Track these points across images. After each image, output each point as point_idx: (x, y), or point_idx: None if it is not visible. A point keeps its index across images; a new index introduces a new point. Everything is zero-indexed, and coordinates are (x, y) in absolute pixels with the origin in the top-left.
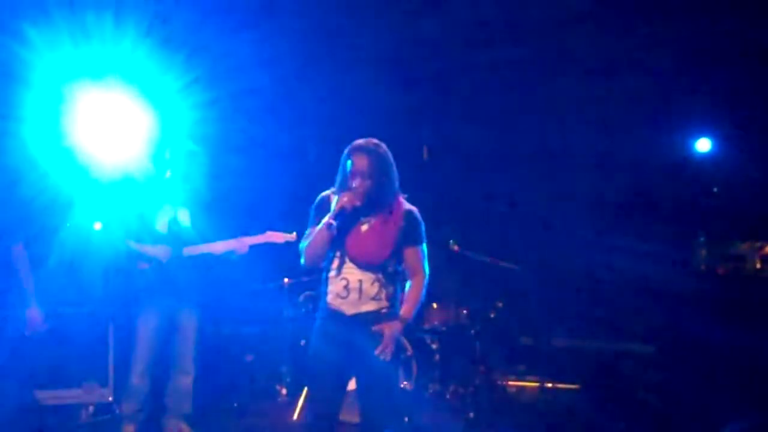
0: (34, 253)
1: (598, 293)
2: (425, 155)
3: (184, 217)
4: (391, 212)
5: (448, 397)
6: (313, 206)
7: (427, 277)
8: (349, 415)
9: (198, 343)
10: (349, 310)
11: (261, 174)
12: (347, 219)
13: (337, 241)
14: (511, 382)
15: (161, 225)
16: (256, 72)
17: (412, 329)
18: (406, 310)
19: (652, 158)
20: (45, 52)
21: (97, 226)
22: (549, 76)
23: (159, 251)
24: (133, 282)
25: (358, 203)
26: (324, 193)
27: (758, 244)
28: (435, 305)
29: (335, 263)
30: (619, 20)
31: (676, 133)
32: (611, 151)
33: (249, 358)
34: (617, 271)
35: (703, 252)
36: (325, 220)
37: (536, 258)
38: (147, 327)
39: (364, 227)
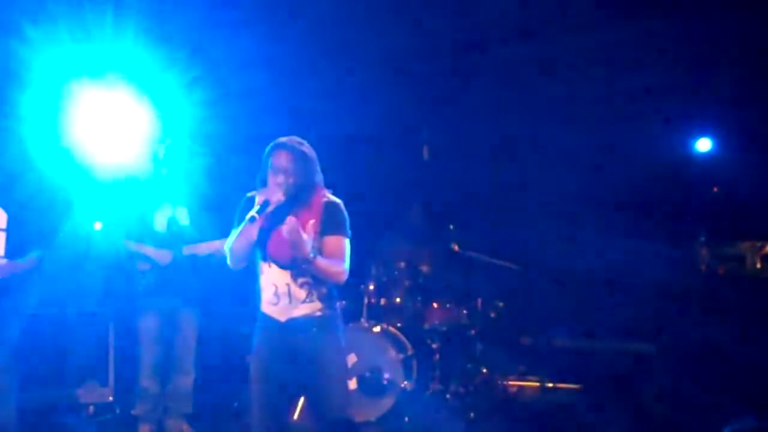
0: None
1: (599, 293)
2: (425, 155)
3: (183, 216)
4: (310, 207)
5: (448, 397)
6: (238, 207)
7: (345, 271)
8: (361, 416)
9: (198, 343)
10: (281, 316)
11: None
12: (271, 217)
13: (262, 244)
14: (511, 382)
15: (160, 224)
16: (256, 72)
17: (413, 329)
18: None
19: (653, 158)
20: (44, 49)
21: (97, 226)
22: (549, 75)
23: (159, 254)
24: (133, 282)
25: (281, 198)
26: (248, 194)
27: (758, 244)
28: (435, 305)
29: (263, 268)
30: (620, 20)
31: (676, 133)
32: (612, 151)
33: (249, 358)
34: (618, 271)
35: (704, 252)
36: (249, 215)
37: (536, 258)
38: (148, 327)
39: (285, 227)
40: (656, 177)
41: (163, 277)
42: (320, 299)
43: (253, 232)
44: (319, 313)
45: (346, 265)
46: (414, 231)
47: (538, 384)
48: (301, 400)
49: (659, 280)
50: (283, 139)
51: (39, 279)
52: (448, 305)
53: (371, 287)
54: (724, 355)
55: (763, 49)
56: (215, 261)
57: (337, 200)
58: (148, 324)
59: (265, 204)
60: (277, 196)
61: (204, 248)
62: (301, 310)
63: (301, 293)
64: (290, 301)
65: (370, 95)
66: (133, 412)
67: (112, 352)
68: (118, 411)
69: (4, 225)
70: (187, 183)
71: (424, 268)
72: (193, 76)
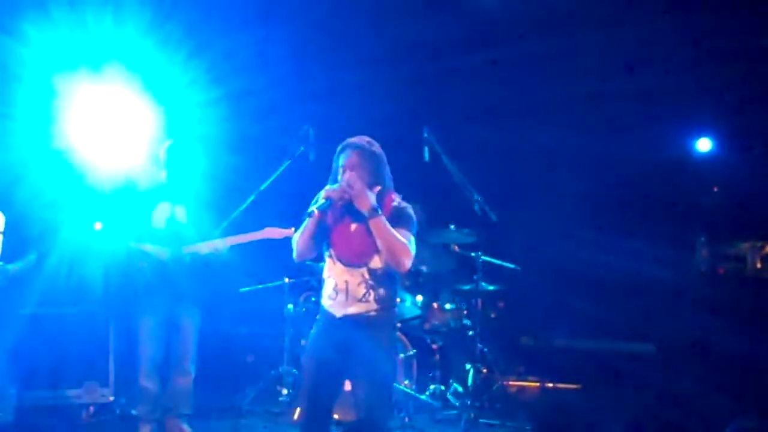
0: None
1: (598, 293)
2: (425, 155)
3: (182, 215)
4: (381, 210)
5: (448, 397)
6: (311, 203)
7: (410, 251)
8: (345, 414)
9: (198, 343)
10: (337, 311)
11: (261, 174)
12: (336, 214)
13: (327, 240)
14: (511, 382)
15: (159, 223)
16: (256, 72)
17: (413, 329)
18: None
19: (653, 158)
20: (44, 48)
21: (97, 226)
22: (550, 75)
23: (159, 251)
24: (133, 282)
25: (345, 196)
26: (320, 193)
27: (758, 244)
28: (435, 305)
29: (327, 264)
30: (620, 20)
31: (676, 133)
32: (612, 151)
33: (249, 358)
34: (617, 271)
35: (704, 252)
36: (308, 210)
37: (536, 258)
38: (148, 328)
39: (353, 226)
40: (656, 177)
41: (163, 277)
42: (376, 300)
43: (312, 226)
44: (373, 314)
45: (412, 248)
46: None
47: (538, 384)
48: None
49: (659, 280)
50: (353, 139)
51: (38, 279)
52: (448, 305)
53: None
54: (724, 355)
55: (764, 49)
56: (215, 260)
57: (406, 204)
58: (148, 324)
59: (328, 201)
60: (341, 194)
61: (204, 247)
62: (357, 308)
63: (359, 291)
64: (347, 298)
65: (370, 95)
66: (133, 412)
67: (112, 352)
68: (118, 411)
69: (2, 228)
70: (188, 183)
71: (424, 268)
72: (193, 76)
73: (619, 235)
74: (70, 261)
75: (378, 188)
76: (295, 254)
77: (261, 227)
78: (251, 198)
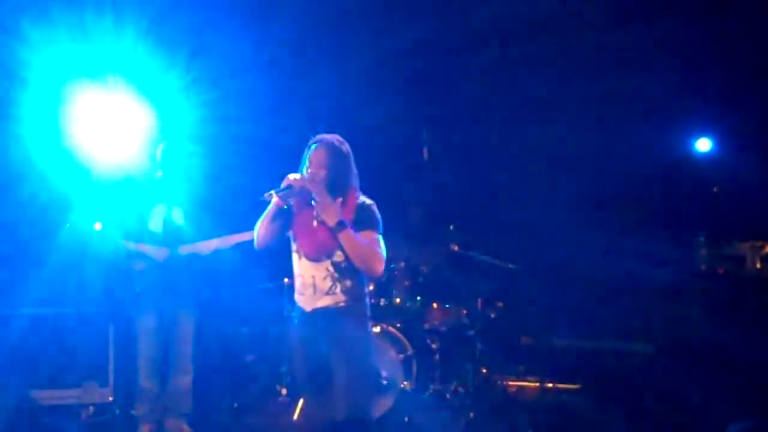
0: (34, 253)
1: (598, 293)
2: (425, 155)
3: (178, 216)
4: (344, 205)
5: (448, 397)
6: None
7: (381, 257)
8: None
9: (197, 343)
10: (307, 306)
11: (261, 174)
12: (299, 210)
13: (292, 236)
14: (511, 382)
15: (156, 224)
16: (256, 72)
17: (413, 329)
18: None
19: (652, 158)
20: (44, 50)
21: (97, 226)
22: (549, 75)
23: (156, 251)
24: (133, 282)
25: (307, 185)
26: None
27: (758, 244)
28: (435, 305)
29: (294, 260)
30: (619, 20)
31: (676, 133)
32: (611, 151)
33: (249, 358)
34: (617, 271)
35: (703, 252)
36: (266, 194)
37: (536, 258)
38: (146, 328)
39: (315, 222)
40: (656, 177)
41: (161, 277)
42: (343, 292)
43: (271, 212)
44: (342, 305)
45: (383, 253)
46: (414, 231)
47: (538, 384)
48: (301, 401)
49: (659, 280)
50: (323, 136)
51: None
52: (448, 305)
53: (371, 287)
54: (724, 355)
55: (764, 49)
56: (214, 260)
57: (370, 201)
58: (147, 324)
59: (288, 187)
60: (302, 182)
61: (202, 247)
62: (324, 301)
63: (325, 285)
64: (314, 292)
65: (369, 95)
66: (133, 412)
67: (112, 353)
68: (118, 411)
69: None
70: (185, 183)
71: (424, 268)
72: (191, 78)
73: (619, 235)
74: (70, 261)
75: (340, 199)
76: (255, 241)
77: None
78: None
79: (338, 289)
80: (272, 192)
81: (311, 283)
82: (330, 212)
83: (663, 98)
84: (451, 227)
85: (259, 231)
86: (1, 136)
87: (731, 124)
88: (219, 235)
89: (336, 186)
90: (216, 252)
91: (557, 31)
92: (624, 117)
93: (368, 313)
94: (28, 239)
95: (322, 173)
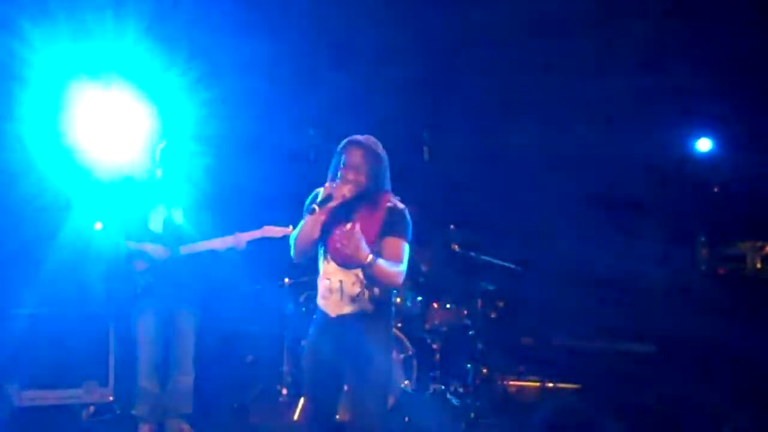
0: (34, 253)
1: (598, 293)
2: (425, 155)
3: (179, 217)
4: (376, 209)
5: (448, 397)
6: (307, 201)
7: (401, 273)
8: (344, 414)
9: (198, 343)
10: (332, 311)
11: (261, 174)
12: (335, 213)
13: (323, 239)
14: (511, 382)
15: (156, 224)
16: (255, 72)
17: (413, 329)
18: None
19: (653, 158)
20: (44, 48)
21: (97, 226)
22: (549, 75)
23: (156, 250)
24: (133, 282)
25: (347, 194)
26: (318, 189)
27: (758, 244)
28: (435, 305)
29: (321, 263)
30: (619, 20)
31: (676, 133)
32: (611, 151)
33: (249, 358)
34: (618, 271)
35: (704, 252)
36: (309, 207)
37: (536, 258)
38: (146, 328)
39: (348, 225)
40: (656, 177)
41: (162, 277)
42: (371, 300)
43: (312, 224)
44: (369, 312)
45: (403, 267)
46: (414, 231)
47: (538, 384)
48: (301, 401)
49: (659, 280)
50: (359, 137)
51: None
52: (448, 305)
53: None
54: (724, 355)
55: (764, 49)
56: (214, 260)
57: (402, 206)
58: (147, 324)
59: (328, 198)
60: (342, 192)
61: (203, 246)
62: (351, 308)
63: (353, 290)
64: (341, 298)
65: (370, 96)
66: (133, 412)
67: (112, 352)
68: (118, 411)
69: None
70: (186, 183)
71: (424, 268)
72: (192, 77)
73: (619, 235)
74: (70, 261)
75: (362, 236)
76: (293, 252)
77: (260, 226)
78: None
79: (366, 296)
80: (315, 206)
81: (338, 288)
82: (360, 253)
83: (663, 98)
84: (451, 227)
85: (300, 244)
86: (1, 136)
87: (731, 124)
88: (220, 235)
89: (371, 189)
90: (216, 252)
91: (557, 31)
92: (624, 117)
93: (392, 319)
94: (28, 239)
95: (361, 179)
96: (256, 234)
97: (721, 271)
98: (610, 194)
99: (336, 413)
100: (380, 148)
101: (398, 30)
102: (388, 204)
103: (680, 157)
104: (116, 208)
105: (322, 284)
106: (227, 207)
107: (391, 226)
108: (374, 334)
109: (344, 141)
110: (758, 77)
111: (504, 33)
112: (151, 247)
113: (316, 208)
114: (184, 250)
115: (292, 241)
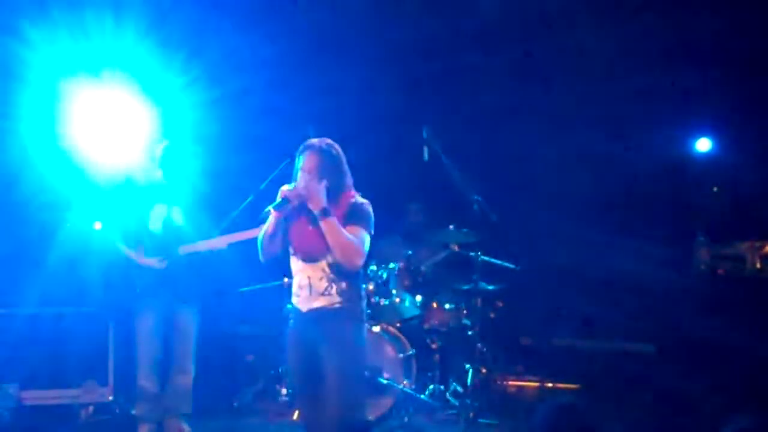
0: (33, 253)
1: (598, 293)
2: (425, 155)
3: (178, 216)
4: (337, 207)
5: (448, 397)
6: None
7: (359, 249)
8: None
9: (197, 343)
10: (303, 306)
11: (261, 173)
12: (294, 212)
13: (288, 237)
14: (511, 382)
15: (156, 225)
16: (254, 72)
17: (413, 329)
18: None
19: (652, 158)
20: (43, 48)
21: (97, 226)
22: (549, 75)
23: (150, 263)
24: (133, 282)
25: (300, 195)
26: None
27: (758, 244)
28: (434, 305)
29: (291, 261)
30: (619, 20)
31: (676, 133)
32: (611, 151)
33: (249, 358)
34: (618, 271)
35: (703, 252)
36: (265, 210)
37: (536, 258)
38: (146, 327)
39: (310, 224)
40: (656, 177)
41: (161, 277)
42: (339, 293)
43: (272, 225)
44: (337, 306)
45: (362, 248)
46: (414, 230)
47: (537, 384)
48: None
49: (659, 280)
50: (313, 141)
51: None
52: (447, 305)
53: (371, 287)
54: (724, 355)
55: (763, 48)
56: (214, 259)
57: (365, 201)
58: (146, 323)
59: (284, 200)
60: (296, 193)
61: (202, 245)
62: (320, 302)
63: (321, 285)
64: (310, 293)
65: (369, 95)
66: (132, 411)
67: (111, 352)
68: (118, 411)
69: None
70: (185, 183)
71: (424, 268)
72: (191, 77)
73: (619, 235)
74: (70, 261)
75: (324, 182)
76: (260, 254)
77: (259, 225)
78: (250, 198)
79: (334, 290)
80: (269, 208)
81: (307, 284)
82: (316, 201)
83: (663, 98)
84: (451, 227)
85: (264, 245)
86: (1, 136)
87: (731, 124)
88: (219, 235)
89: (331, 190)
90: (216, 252)
91: (558, 31)
92: (624, 117)
93: (364, 315)
94: (28, 239)
95: (310, 180)
96: (256, 233)
97: (721, 271)
98: (609, 194)
99: (318, 405)
100: (335, 148)
101: (398, 30)
102: (351, 200)
103: (680, 157)
104: (115, 209)
105: (294, 281)
106: (226, 207)
107: (352, 216)
108: (344, 327)
109: (300, 146)
110: (758, 77)
111: (505, 33)
112: (148, 260)
113: (271, 210)
114: (184, 250)
115: (258, 244)
